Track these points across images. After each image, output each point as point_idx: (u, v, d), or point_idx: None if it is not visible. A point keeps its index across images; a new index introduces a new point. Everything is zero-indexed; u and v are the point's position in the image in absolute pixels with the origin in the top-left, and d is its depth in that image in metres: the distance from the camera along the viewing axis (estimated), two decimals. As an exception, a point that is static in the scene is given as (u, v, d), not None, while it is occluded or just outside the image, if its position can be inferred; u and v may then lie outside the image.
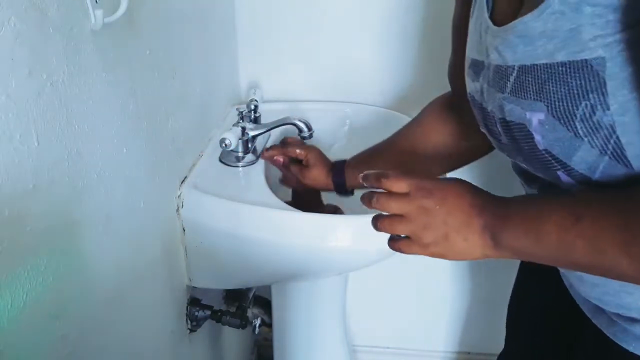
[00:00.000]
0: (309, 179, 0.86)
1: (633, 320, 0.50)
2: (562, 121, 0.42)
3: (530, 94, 0.43)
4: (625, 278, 0.43)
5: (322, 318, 1.04)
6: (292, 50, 1.05)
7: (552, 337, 0.70)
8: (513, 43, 0.44)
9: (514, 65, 0.44)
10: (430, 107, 0.79)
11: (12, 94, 0.41)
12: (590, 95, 0.40)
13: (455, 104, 0.73)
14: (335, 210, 0.90)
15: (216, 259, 0.81)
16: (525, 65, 0.43)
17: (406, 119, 0.85)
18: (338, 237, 0.73)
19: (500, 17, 0.48)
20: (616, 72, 0.38)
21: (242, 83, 1.09)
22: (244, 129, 0.84)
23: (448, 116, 0.75)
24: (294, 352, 1.05)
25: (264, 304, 1.11)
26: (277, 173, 0.93)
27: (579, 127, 0.42)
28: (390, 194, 0.52)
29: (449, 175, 0.79)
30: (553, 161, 0.45)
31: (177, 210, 0.78)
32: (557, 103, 0.42)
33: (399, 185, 0.51)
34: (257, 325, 1.04)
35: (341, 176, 0.83)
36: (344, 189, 0.84)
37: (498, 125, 0.50)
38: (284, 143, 0.90)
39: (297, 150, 0.86)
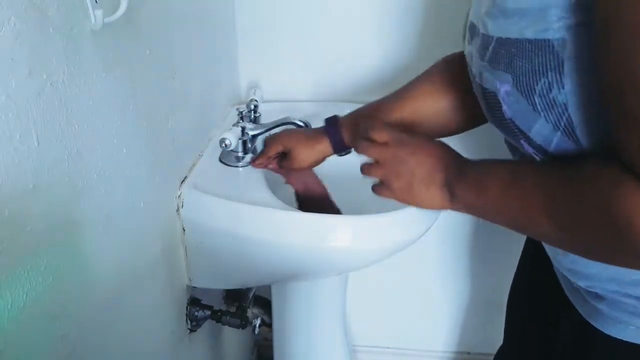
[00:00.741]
0: (300, 161, 0.79)
1: (598, 296, 0.54)
2: (524, 94, 0.45)
3: (501, 65, 0.46)
4: (548, 239, 0.51)
5: (322, 318, 1.04)
6: (292, 50, 1.05)
7: (543, 321, 0.73)
8: (494, 15, 0.46)
9: (494, 36, 0.46)
10: (435, 71, 0.73)
11: (12, 94, 0.41)
12: (549, 73, 0.42)
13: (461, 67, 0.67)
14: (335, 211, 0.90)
15: (216, 259, 0.81)
16: (501, 38, 0.45)
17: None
18: (338, 237, 0.73)
19: None
20: (573, 54, 0.40)
21: (242, 83, 1.09)
22: (244, 129, 0.84)
23: (451, 81, 0.70)
24: (294, 352, 1.05)
25: (264, 304, 1.11)
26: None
27: (537, 101, 0.44)
28: (373, 142, 0.61)
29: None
30: (516, 130, 0.48)
31: (177, 210, 0.78)
32: (521, 77, 0.44)
33: (381, 135, 0.61)
34: (257, 325, 1.04)
35: (336, 133, 0.77)
36: (342, 146, 0.78)
37: (478, 90, 0.52)
38: (265, 146, 0.84)
39: (273, 147, 0.81)
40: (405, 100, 0.73)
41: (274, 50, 1.05)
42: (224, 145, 0.80)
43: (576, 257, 0.53)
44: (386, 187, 0.61)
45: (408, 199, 0.60)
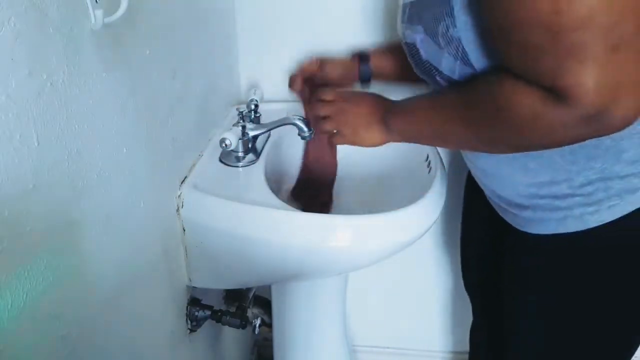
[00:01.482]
0: (335, 68, 0.88)
1: (522, 206, 0.67)
2: (432, 38, 0.58)
3: (415, 20, 0.60)
4: (462, 142, 0.64)
5: (322, 318, 1.04)
6: (292, 50, 1.05)
7: (490, 245, 0.86)
8: None
9: (408, 1, 0.61)
10: None
11: (12, 94, 0.41)
12: (445, 18, 0.56)
13: None
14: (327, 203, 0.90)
15: (216, 259, 0.81)
16: (412, 2, 0.60)
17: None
18: (338, 237, 0.73)
19: None
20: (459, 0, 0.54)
21: (242, 83, 1.09)
22: (244, 128, 0.84)
23: None
24: (294, 352, 1.05)
25: (264, 304, 1.11)
26: (277, 173, 0.93)
27: (440, 41, 0.58)
28: (322, 101, 0.77)
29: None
30: (432, 69, 0.61)
31: (177, 210, 0.78)
32: (428, 24, 0.58)
33: (327, 95, 0.77)
34: (257, 325, 1.04)
35: (367, 64, 0.87)
36: (368, 76, 0.88)
37: (405, 49, 0.65)
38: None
39: (308, 64, 0.88)
40: None
41: (274, 50, 1.05)
42: (224, 145, 0.80)
43: (497, 174, 0.68)
44: (339, 135, 0.75)
45: (357, 141, 0.74)
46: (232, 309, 0.95)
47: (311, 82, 0.88)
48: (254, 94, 0.99)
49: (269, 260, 0.78)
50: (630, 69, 0.45)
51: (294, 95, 0.89)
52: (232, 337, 1.20)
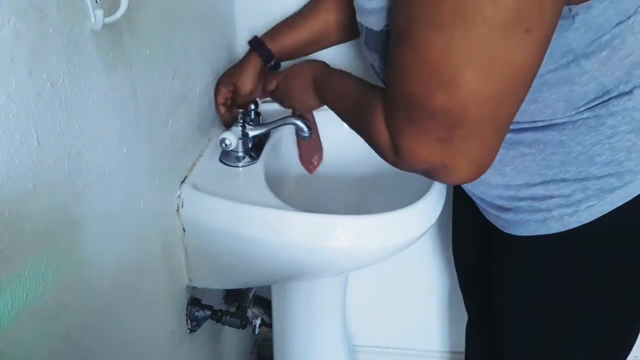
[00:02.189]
0: (246, 90, 0.89)
1: (504, 208, 0.68)
2: (385, 63, 0.62)
3: (370, 46, 0.63)
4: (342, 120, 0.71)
5: (322, 318, 1.04)
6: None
7: (483, 251, 0.86)
8: (359, 11, 0.60)
9: (364, 25, 0.61)
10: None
11: (12, 94, 0.41)
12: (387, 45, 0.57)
13: None
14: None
15: (216, 259, 0.81)
16: (367, 28, 0.60)
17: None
18: (338, 237, 0.73)
19: None
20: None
21: (242, 83, 1.09)
22: (244, 128, 0.84)
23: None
24: (294, 352, 1.05)
25: (264, 304, 1.11)
26: (277, 173, 0.93)
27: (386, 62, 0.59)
28: (275, 89, 0.87)
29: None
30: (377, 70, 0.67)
31: (177, 210, 0.78)
32: (382, 55, 0.61)
33: (271, 84, 0.87)
34: (257, 325, 1.04)
35: (262, 47, 0.89)
36: (270, 56, 0.89)
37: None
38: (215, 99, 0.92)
39: (220, 95, 0.90)
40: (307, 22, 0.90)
41: (274, 50, 1.05)
42: (224, 145, 0.80)
43: (475, 185, 0.70)
44: (295, 110, 0.86)
45: (305, 107, 0.84)
46: (232, 309, 0.95)
47: (236, 103, 0.91)
48: (254, 94, 0.99)
49: (268, 260, 0.78)
50: (451, 154, 0.51)
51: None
52: (232, 337, 1.20)
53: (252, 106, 0.92)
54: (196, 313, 0.88)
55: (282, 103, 0.88)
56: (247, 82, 0.88)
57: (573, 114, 0.58)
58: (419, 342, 1.42)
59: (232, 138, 0.80)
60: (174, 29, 0.74)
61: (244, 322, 0.91)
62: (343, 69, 0.78)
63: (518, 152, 0.63)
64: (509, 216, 0.68)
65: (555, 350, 0.73)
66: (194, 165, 0.84)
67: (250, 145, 0.86)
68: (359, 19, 0.62)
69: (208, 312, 0.88)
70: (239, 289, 1.05)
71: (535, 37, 0.45)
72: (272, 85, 0.87)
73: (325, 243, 0.73)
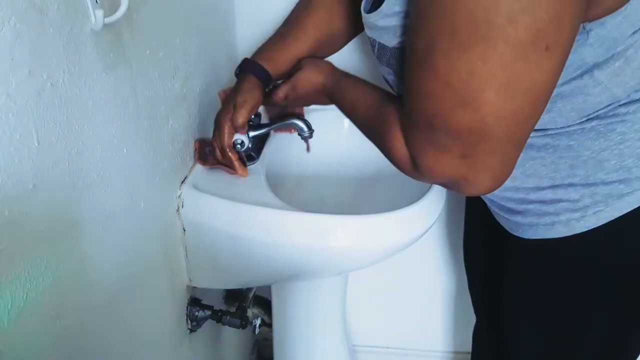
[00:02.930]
0: (242, 114, 0.77)
1: (513, 211, 0.68)
2: (399, 77, 0.62)
3: (383, 62, 0.62)
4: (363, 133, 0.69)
5: (322, 318, 1.04)
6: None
7: (488, 249, 0.88)
8: (370, 27, 0.60)
9: (376, 40, 0.61)
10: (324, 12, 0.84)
11: (12, 94, 0.41)
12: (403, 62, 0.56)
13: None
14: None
15: (216, 259, 0.81)
16: (379, 42, 0.60)
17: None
18: (338, 237, 0.73)
19: None
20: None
21: (242, 83, 1.09)
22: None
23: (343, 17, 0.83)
24: (294, 352, 1.05)
25: (264, 304, 1.11)
26: (277, 173, 0.93)
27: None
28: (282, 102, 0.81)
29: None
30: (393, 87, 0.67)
31: (177, 210, 0.78)
32: (397, 70, 0.61)
33: (279, 95, 0.80)
34: (257, 325, 1.04)
35: (258, 68, 0.80)
36: (268, 78, 0.81)
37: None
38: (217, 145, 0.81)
39: (227, 138, 0.79)
40: (305, 38, 0.85)
41: (274, 50, 1.05)
42: (238, 146, 0.79)
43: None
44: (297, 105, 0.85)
45: (311, 102, 0.82)
46: (232, 309, 0.95)
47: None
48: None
49: (269, 260, 0.78)
50: (473, 169, 0.52)
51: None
52: (232, 337, 1.20)
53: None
54: (196, 313, 0.88)
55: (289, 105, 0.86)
56: (244, 113, 0.76)
57: (583, 121, 0.59)
58: (419, 342, 1.42)
59: (244, 138, 0.80)
60: (174, 29, 0.74)
61: (244, 322, 0.91)
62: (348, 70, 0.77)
63: (527, 155, 0.63)
64: (518, 219, 0.68)
65: (563, 355, 0.73)
66: (194, 165, 0.84)
67: (250, 146, 0.86)
68: (369, 34, 0.62)
69: (208, 312, 0.88)
70: (239, 289, 1.05)
71: (555, 55, 0.45)
72: (280, 96, 0.80)
73: (325, 243, 0.73)
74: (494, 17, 0.42)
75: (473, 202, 0.88)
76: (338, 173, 0.99)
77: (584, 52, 0.52)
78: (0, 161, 0.41)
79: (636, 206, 0.60)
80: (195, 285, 0.87)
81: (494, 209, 0.74)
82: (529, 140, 0.60)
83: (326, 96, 0.77)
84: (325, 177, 0.93)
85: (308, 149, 0.89)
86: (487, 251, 0.89)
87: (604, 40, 0.51)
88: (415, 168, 0.56)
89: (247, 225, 0.75)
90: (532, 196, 0.65)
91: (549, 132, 0.61)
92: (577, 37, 0.49)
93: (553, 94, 0.52)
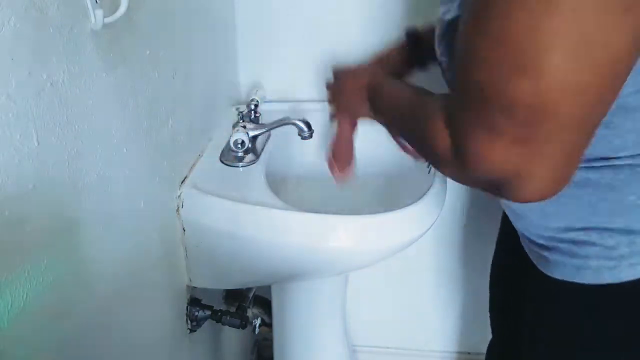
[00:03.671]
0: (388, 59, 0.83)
1: (543, 246, 0.63)
2: (450, 53, 0.56)
3: (441, 41, 0.57)
4: (398, 135, 0.66)
5: (322, 318, 1.04)
6: (293, 50, 1.05)
7: (514, 278, 0.82)
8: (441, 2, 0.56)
9: (440, 18, 0.57)
10: None
11: (12, 94, 0.41)
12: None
13: None
14: None
15: (216, 259, 0.81)
16: (442, 19, 0.55)
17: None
18: (338, 237, 0.73)
19: None
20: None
21: (242, 83, 1.09)
22: (244, 129, 0.84)
23: None
24: (294, 352, 1.05)
25: (264, 304, 1.11)
26: (277, 173, 0.93)
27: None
28: (333, 81, 0.78)
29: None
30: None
31: (177, 210, 0.78)
32: (451, 50, 0.54)
33: (332, 75, 0.78)
34: (257, 325, 1.04)
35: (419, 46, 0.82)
36: (420, 60, 0.84)
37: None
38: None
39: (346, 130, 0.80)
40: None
41: (274, 50, 1.05)
42: (239, 146, 0.81)
43: (517, 210, 0.65)
44: (339, 112, 0.76)
45: (355, 115, 0.74)
46: (232, 309, 0.95)
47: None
48: (256, 94, 1.00)
49: (269, 260, 0.78)
50: (527, 161, 0.44)
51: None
52: (232, 337, 1.20)
53: (253, 106, 0.92)
54: (196, 313, 0.88)
55: (334, 108, 0.79)
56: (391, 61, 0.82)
57: (636, 156, 0.52)
58: (419, 342, 1.42)
59: (244, 137, 0.80)
60: (174, 29, 0.74)
61: (244, 322, 0.91)
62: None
63: (563, 191, 0.55)
64: (546, 254, 0.63)
65: None
66: (194, 165, 0.84)
67: (250, 145, 0.87)
68: (439, 14, 0.58)
69: (208, 312, 0.88)
70: (239, 289, 1.05)
71: (635, 20, 0.37)
72: (329, 87, 0.79)
73: (325, 243, 0.73)
74: None
75: (507, 219, 0.80)
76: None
77: None
78: (0, 161, 0.41)
79: None
80: (195, 285, 0.87)
81: (522, 238, 0.68)
82: None
83: (368, 100, 0.71)
84: (326, 177, 0.92)
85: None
86: (510, 276, 0.84)
87: None
88: (459, 159, 0.48)
89: (247, 225, 0.75)
90: (563, 235, 0.59)
91: (595, 163, 0.53)
92: None
93: (615, 105, 0.43)
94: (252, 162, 0.86)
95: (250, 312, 1.05)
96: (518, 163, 0.44)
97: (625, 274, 0.55)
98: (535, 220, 0.62)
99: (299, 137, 0.84)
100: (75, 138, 0.51)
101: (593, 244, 0.57)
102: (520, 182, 0.45)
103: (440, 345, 1.41)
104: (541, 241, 0.63)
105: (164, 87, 0.71)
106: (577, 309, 0.62)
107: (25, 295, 0.45)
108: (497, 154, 0.44)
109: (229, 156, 0.86)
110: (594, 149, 0.50)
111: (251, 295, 1.07)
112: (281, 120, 0.84)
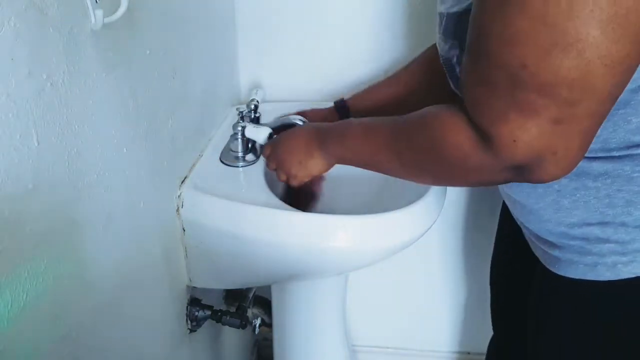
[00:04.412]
0: (314, 117, 0.86)
1: (552, 244, 0.61)
2: (462, 46, 0.51)
3: (449, 35, 0.55)
4: (398, 174, 0.61)
5: (322, 318, 1.04)
6: (293, 49, 1.05)
7: (518, 276, 0.81)
8: None
9: (445, 12, 0.55)
10: (423, 60, 0.83)
11: (12, 94, 0.41)
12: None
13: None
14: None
15: (216, 259, 0.81)
16: (449, 12, 0.53)
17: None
18: (338, 237, 0.73)
19: None
20: None
21: (242, 83, 1.09)
22: (243, 129, 0.84)
23: (435, 71, 0.75)
24: (294, 352, 1.05)
25: (264, 304, 1.11)
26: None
27: None
28: (267, 158, 0.77)
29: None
30: None
31: (177, 210, 0.78)
32: (464, 40, 0.49)
33: (265, 152, 0.77)
34: (257, 325, 1.04)
35: (346, 112, 0.86)
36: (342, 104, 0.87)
37: (441, 61, 0.60)
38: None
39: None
40: (390, 87, 0.86)
41: (274, 50, 1.05)
42: (239, 145, 0.83)
43: (527, 205, 0.62)
44: (292, 179, 0.74)
45: (306, 173, 0.72)
46: (232, 309, 0.95)
47: None
48: (256, 94, 0.99)
49: (268, 260, 0.78)
50: (566, 138, 0.44)
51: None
52: (232, 337, 1.20)
53: (253, 106, 0.92)
54: (196, 313, 0.88)
55: (277, 174, 0.76)
56: (315, 119, 0.84)
57: None
58: (419, 342, 1.42)
59: (261, 134, 0.82)
60: (174, 29, 0.74)
61: (244, 322, 0.91)
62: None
63: (581, 184, 0.56)
64: (555, 253, 0.61)
65: None
66: (194, 165, 0.84)
67: (250, 145, 0.87)
68: (439, 9, 0.56)
69: (208, 312, 0.88)
70: (239, 289, 1.05)
71: None
72: (266, 152, 0.77)
73: (325, 243, 0.73)
74: None
75: (508, 218, 0.80)
76: (338, 173, 0.99)
77: None
78: (0, 161, 0.41)
79: None
80: (195, 285, 0.87)
81: (530, 238, 0.67)
82: (588, 166, 0.54)
83: (320, 145, 0.69)
84: (326, 177, 0.92)
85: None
86: (516, 275, 0.82)
87: None
88: (487, 148, 0.46)
89: (247, 225, 0.75)
90: (576, 232, 0.58)
91: (614, 152, 0.53)
92: None
93: (637, 85, 0.44)
94: (252, 162, 0.86)
95: (250, 312, 1.05)
96: (557, 141, 0.43)
97: None
98: (547, 215, 0.60)
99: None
100: (75, 138, 0.51)
101: (607, 240, 0.56)
102: (554, 160, 0.44)
103: (440, 345, 1.41)
104: (551, 238, 0.61)
105: (164, 87, 0.71)
106: (590, 306, 0.61)
107: (25, 295, 0.45)
108: (533, 134, 0.43)
109: (229, 156, 0.86)
110: (615, 133, 0.51)
111: (251, 295, 1.07)
112: (281, 120, 0.84)
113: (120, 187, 0.61)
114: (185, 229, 0.79)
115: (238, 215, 0.75)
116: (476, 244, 1.24)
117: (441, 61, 0.60)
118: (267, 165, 0.78)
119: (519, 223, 0.69)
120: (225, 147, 0.89)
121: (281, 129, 0.81)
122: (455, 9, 0.52)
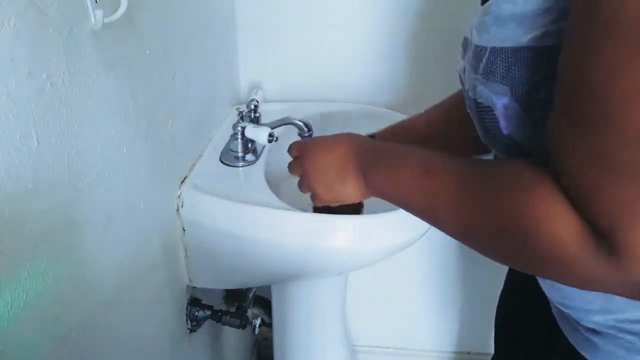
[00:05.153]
0: None
1: (594, 331, 0.50)
2: (523, 106, 0.40)
3: (497, 77, 0.41)
4: (456, 234, 0.46)
5: (322, 318, 1.04)
6: (293, 50, 1.05)
7: (533, 344, 0.70)
8: (488, 24, 0.42)
9: (487, 47, 0.42)
10: (456, 100, 0.69)
11: (12, 94, 0.41)
12: (549, 82, 0.37)
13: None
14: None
15: (216, 259, 0.81)
16: (495, 47, 0.41)
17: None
18: (338, 237, 0.73)
19: None
20: None
21: (242, 83, 1.09)
22: (243, 129, 0.84)
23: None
24: (294, 352, 1.05)
25: (264, 304, 1.11)
26: (277, 173, 0.93)
27: (538, 115, 0.39)
28: (294, 159, 0.62)
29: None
30: (514, 147, 0.44)
31: (177, 210, 0.78)
32: (519, 88, 0.40)
33: (293, 152, 0.62)
34: (257, 325, 1.04)
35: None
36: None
37: (471, 107, 0.47)
38: None
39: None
40: (419, 125, 0.72)
41: (274, 50, 1.05)
42: (239, 145, 0.83)
43: (564, 290, 0.50)
44: (316, 200, 0.61)
45: (334, 199, 0.59)
46: (232, 309, 0.95)
47: None
48: (256, 94, 1.00)
49: (269, 260, 0.78)
50: None
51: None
52: (232, 337, 1.20)
53: (253, 106, 0.92)
54: (196, 313, 0.88)
55: (299, 185, 0.62)
56: None
57: None
58: (419, 342, 1.42)
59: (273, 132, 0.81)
60: (174, 29, 0.74)
61: (244, 322, 0.91)
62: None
63: None
64: (596, 339, 0.50)
65: None
66: (194, 165, 0.84)
67: (250, 146, 0.87)
68: (477, 41, 0.44)
69: (208, 312, 0.88)
70: (239, 289, 1.05)
71: None
72: (294, 152, 0.63)
73: (325, 243, 0.73)
74: None
75: (519, 281, 0.69)
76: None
77: None
78: (0, 161, 0.41)
79: None
80: (195, 285, 0.87)
81: (561, 310, 0.54)
82: None
83: (358, 168, 0.54)
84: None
85: None
86: (526, 337, 0.71)
87: None
88: (605, 253, 0.34)
89: (247, 225, 0.75)
90: (625, 325, 0.47)
91: None
92: None
93: None
94: (252, 162, 0.86)
95: (250, 312, 1.05)
96: None
97: None
98: (594, 304, 0.49)
99: (299, 137, 0.84)
100: (75, 138, 0.51)
101: None
102: None
103: (440, 345, 1.41)
104: (592, 326, 0.50)
105: (164, 87, 0.71)
106: None
107: (25, 295, 0.45)
108: None
109: (229, 156, 0.86)
110: None
111: (251, 295, 1.07)
112: (281, 120, 0.84)
113: (120, 187, 0.61)
114: (185, 229, 0.79)
115: (238, 215, 0.75)
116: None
117: (472, 108, 0.47)
118: (290, 168, 0.63)
119: (553, 299, 0.55)
120: (225, 147, 0.89)
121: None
122: (509, 44, 0.40)
